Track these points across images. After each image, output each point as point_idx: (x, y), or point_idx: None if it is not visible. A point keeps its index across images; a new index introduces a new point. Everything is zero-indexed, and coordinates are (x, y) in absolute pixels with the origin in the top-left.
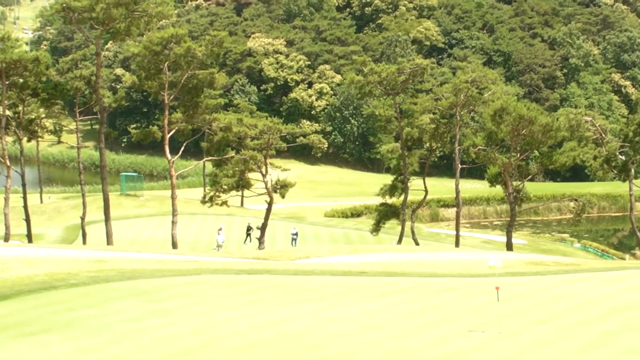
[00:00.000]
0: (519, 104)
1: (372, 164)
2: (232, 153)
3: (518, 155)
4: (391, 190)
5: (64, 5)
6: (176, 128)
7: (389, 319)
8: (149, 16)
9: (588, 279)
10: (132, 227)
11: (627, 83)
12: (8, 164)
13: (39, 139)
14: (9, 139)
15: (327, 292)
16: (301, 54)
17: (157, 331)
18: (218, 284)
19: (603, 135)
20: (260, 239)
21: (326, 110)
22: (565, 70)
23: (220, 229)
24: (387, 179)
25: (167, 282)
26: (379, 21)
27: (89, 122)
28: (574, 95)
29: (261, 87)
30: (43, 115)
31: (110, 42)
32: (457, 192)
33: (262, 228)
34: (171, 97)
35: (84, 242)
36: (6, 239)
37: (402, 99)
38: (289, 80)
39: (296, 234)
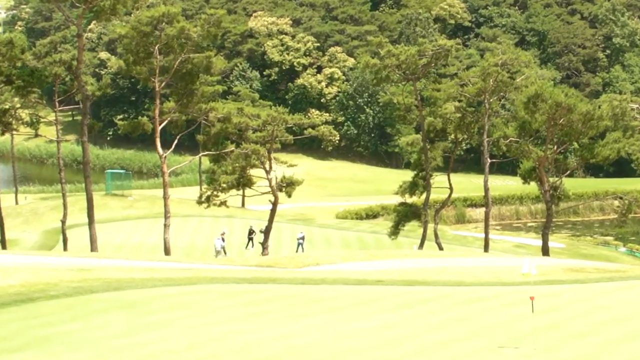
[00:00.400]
0: (556, 90)
1: (390, 159)
2: (231, 147)
3: (555, 147)
4: (411, 188)
5: None
6: (168, 119)
7: (409, 334)
8: None
9: (635, 287)
10: (119, 231)
11: None
12: None
13: (14, 132)
14: None
15: (339, 303)
16: (309, 34)
17: (147, 347)
18: (216, 295)
19: None
20: (264, 244)
21: (338, 98)
22: (608, 51)
23: (223, 234)
24: (407, 175)
25: (159, 293)
26: None
27: (70, 112)
28: (618, 79)
29: (264, 73)
30: (18, 106)
31: (94, 22)
32: (486, 189)
33: (266, 231)
34: (163, 84)
35: (65, 248)
36: None
37: (424, 84)
38: (295, 64)
39: (303, 239)
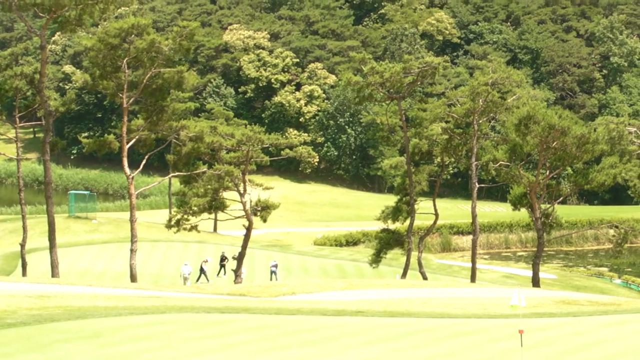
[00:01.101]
0: (549, 111)
1: (372, 182)
2: (203, 168)
3: (547, 172)
4: (394, 213)
5: None
6: (137, 137)
7: None
8: (104, 2)
9: (631, 321)
10: (82, 256)
11: None
12: None
13: None
14: None
15: (316, 335)
16: (288, 49)
17: None
18: (186, 325)
19: None
20: (237, 271)
21: (317, 118)
22: (605, 71)
23: (205, 261)
24: (390, 200)
25: (124, 322)
26: (382, 11)
27: (31, 129)
28: (616, 101)
29: (239, 89)
30: None
31: (58, 33)
32: (474, 216)
33: (239, 258)
34: (131, 100)
35: (24, 273)
36: None
37: (409, 104)
38: (272, 81)
39: (276, 267)
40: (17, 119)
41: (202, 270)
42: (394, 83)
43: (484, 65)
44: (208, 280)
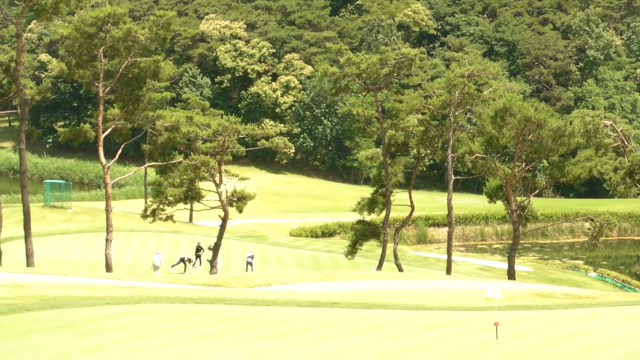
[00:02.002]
0: (525, 104)
1: (348, 174)
2: (179, 158)
3: (523, 165)
4: (370, 205)
5: None
6: (112, 127)
7: None
8: None
9: (606, 314)
10: (57, 246)
11: None
12: None
13: None
14: None
15: (291, 326)
16: (264, 40)
17: None
18: (161, 315)
19: (625, 142)
20: (212, 262)
21: (293, 109)
22: (581, 64)
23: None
24: (366, 191)
25: (99, 312)
26: (359, 2)
27: (6, 118)
28: (592, 94)
29: (216, 79)
30: None
31: (34, 21)
32: (450, 208)
33: (215, 248)
34: (107, 90)
35: None
36: None
37: (385, 95)
38: (249, 71)
39: (252, 257)
40: None
41: (182, 260)
42: (371, 74)
43: (461, 57)
44: (185, 271)
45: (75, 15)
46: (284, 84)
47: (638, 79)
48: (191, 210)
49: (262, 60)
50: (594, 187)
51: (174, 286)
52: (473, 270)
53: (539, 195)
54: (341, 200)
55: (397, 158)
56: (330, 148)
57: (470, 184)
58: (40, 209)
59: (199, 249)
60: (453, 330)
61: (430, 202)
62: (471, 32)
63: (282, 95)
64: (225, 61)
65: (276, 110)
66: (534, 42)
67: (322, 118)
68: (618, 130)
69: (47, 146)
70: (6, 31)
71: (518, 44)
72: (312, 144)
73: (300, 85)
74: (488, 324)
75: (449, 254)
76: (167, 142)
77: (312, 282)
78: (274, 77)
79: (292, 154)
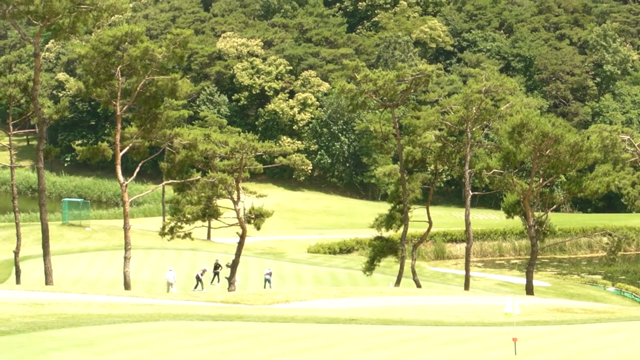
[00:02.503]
0: (543, 119)
1: (366, 190)
2: (197, 175)
3: (541, 180)
4: (388, 221)
5: None
6: (130, 145)
7: None
8: (98, 10)
9: (624, 329)
10: (76, 264)
11: None
12: None
13: None
14: None
15: (310, 343)
16: (281, 57)
17: None
18: (179, 333)
19: None
20: (230, 279)
21: (311, 125)
22: (598, 79)
23: (204, 271)
24: (384, 207)
25: (118, 330)
26: (375, 19)
27: (25, 137)
28: (609, 109)
29: (233, 97)
30: None
31: (52, 40)
32: (468, 224)
33: (233, 266)
34: (125, 108)
35: (18, 281)
36: None
37: (402, 112)
38: (266, 88)
39: (270, 274)
40: (11, 127)
41: (198, 279)
42: (388, 91)
43: (478, 73)
44: (203, 288)
45: (93, 34)
46: (301, 101)
47: None
48: (209, 227)
49: (279, 77)
50: (611, 202)
51: (192, 303)
52: (491, 285)
53: (556, 210)
54: (359, 217)
55: (414, 174)
56: (347, 165)
57: (488, 199)
58: (58, 227)
59: (217, 266)
60: (472, 346)
61: (448, 218)
62: (488, 48)
63: (299, 113)
64: (242, 79)
65: (293, 127)
66: (550, 58)
67: (340, 135)
68: (635, 145)
69: (65, 165)
70: (24, 50)
71: (535, 59)
72: (329, 161)
73: (317, 102)
74: (507, 340)
75: (467, 269)
76: (184, 160)
77: (330, 298)
78: (291, 94)
79: (310, 171)
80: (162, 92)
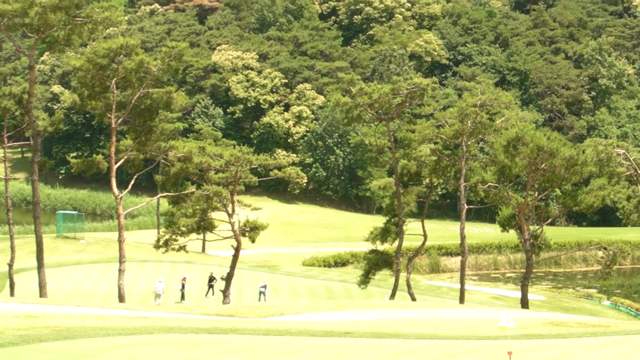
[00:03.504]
0: (538, 133)
1: (361, 203)
2: (192, 188)
3: (536, 194)
4: (383, 234)
5: None
6: (125, 157)
7: None
8: (93, 23)
9: (619, 343)
10: (70, 276)
11: None
12: None
13: None
14: None
15: (305, 356)
16: (276, 70)
17: None
18: (174, 346)
19: (638, 171)
20: (225, 292)
21: (306, 138)
22: (593, 93)
23: (184, 279)
24: (379, 221)
25: (112, 343)
26: (370, 32)
27: (19, 149)
28: (604, 122)
29: (228, 110)
30: None
31: (47, 53)
32: (463, 237)
33: (228, 278)
34: (119, 121)
35: (12, 293)
36: None
37: (398, 125)
38: (261, 101)
39: (265, 287)
40: (5, 139)
41: (182, 289)
42: (383, 104)
43: (473, 86)
44: (182, 300)
45: (88, 47)
46: (296, 114)
47: None
48: (204, 240)
49: (274, 90)
50: (607, 216)
51: (186, 316)
52: (486, 299)
53: (551, 224)
54: (354, 230)
55: (409, 187)
56: (342, 178)
57: (483, 213)
58: (53, 239)
59: (211, 279)
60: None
61: (443, 232)
62: (483, 61)
63: (294, 126)
64: (237, 92)
65: (288, 140)
66: (546, 72)
67: (335, 148)
68: (631, 158)
69: (60, 177)
70: (19, 63)
71: (530, 73)
72: (324, 174)
73: (312, 115)
74: (502, 353)
75: (462, 283)
76: (179, 172)
77: (325, 311)
78: (286, 107)
79: (305, 184)
80: (157, 104)
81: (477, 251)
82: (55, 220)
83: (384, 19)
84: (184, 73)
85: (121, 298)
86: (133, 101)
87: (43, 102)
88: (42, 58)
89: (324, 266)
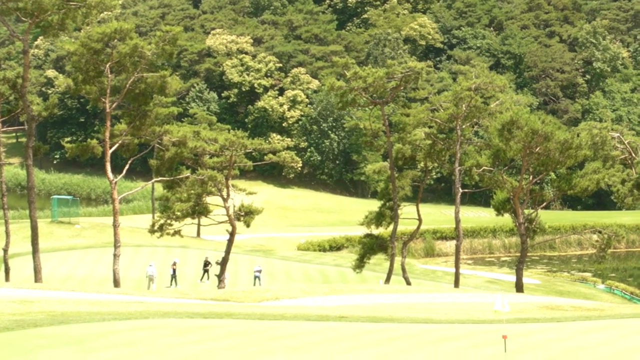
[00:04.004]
0: (532, 117)
1: (355, 187)
2: (186, 173)
3: (530, 178)
4: (378, 218)
5: None
6: (120, 142)
7: None
8: (87, 7)
9: (614, 327)
10: (65, 261)
11: None
12: None
13: None
14: None
15: (300, 341)
16: (271, 54)
17: None
18: (169, 330)
19: (633, 154)
20: (220, 276)
21: (300, 123)
22: (588, 77)
23: (174, 264)
24: (373, 205)
25: (108, 328)
26: (365, 16)
27: (14, 134)
28: (599, 106)
29: (222, 94)
30: None
31: (41, 37)
32: (457, 221)
33: (223, 263)
34: (114, 105)
35: (7, 278)
36: None
37: (392, 109)
38: (256, 85)
39: (260, 272)
40: (0, 124)
41: (173, 273)
42: (377, 88)
43: (467, 70)
44: (172, 284)
45: (82, 31)
46: (291, 98)
47: None
48: (199, 225)
49: (268, 74)
50: (601, 199)
51: (181, 301)
52: (481, 283)
53: (546, 207)
54: (349, 214)
55: (404, 171)
56: (337, 162)
57: (478, 197)
58: (47, 224)
59: (206, 263)
60: (461, 344)
61: (437, 216)
62: (478, 45)
63: (289, 110)
64: (232, 76)
65: (283, 125)
66: (540, 55)
67: (329, 132)
68: (625, 142)
69: (55, 162)
70: (13, 47)
71: (525, 56)
72: (319, 158)
73: (307, 100)
74: (496, 337)
75: (457, 267)
76: (174, 157)
77: (320, 296)
78: (281, 91)
79: (299, 168)
80: (151, 89)
81: (472, 235)
82: (50, 205)
83: (378, 3)
84: (178, 57)
85: (116, 283)
86: (127, 85)
87: (37, 87)
88: (36, 42)
89: (319, 250)
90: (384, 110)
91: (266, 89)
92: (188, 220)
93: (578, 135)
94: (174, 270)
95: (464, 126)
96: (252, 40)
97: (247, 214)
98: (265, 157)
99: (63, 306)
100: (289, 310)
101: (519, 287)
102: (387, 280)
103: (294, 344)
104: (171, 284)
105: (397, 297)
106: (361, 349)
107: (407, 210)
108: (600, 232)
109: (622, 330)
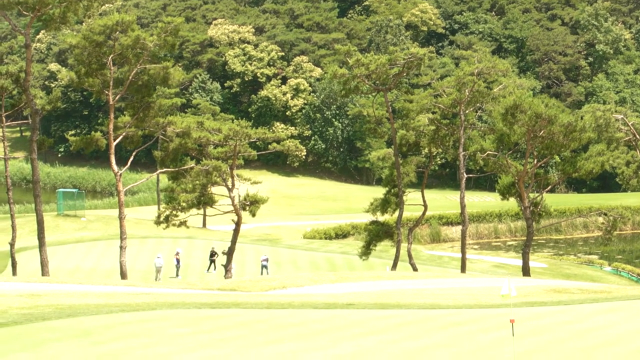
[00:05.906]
0: (536, 100)
1: (360, 175)
2: (191, 163)
3: (535, 161)
4: (383, 205)
5: None
6: (124, 134)
7: None
8: (88, 0)
9: (622, 309)
10: (72, 254)
11: None
12: None
13: None
14: None
15: (307, 329)
16: (273, 43)
17: None
18: (177, 321)
19: (637, 136)
20: (227, 266)
21: (304, 111)
22: (590, 59)
23: (177, 254)
24: (378, 192)
25: (115, 320)
26: (366, 3)
27: (18, 128)
28: (602, 88)
29: (225, 84)
30: None
31: (43, 31)
32: (463, 206)
33: (229, 253)
34: (117, 97)
35: (14, 272)
36: None
37: (395, 95)
38: (258, 75)
39: (266, 261)
40: (4, 118)
41: (177, 264)
42: (380, 75)
43: (470, 55)
44: (177, 275)
45: (84, 24)
46: (294, 86)
47: None
48: (204, 215)
49: (271, 63)
50: (606, 182)
51: (189, 292)
52: (488, 267)
53: (551, 191)
54: (354, 202)
55: (408, 158)
56: (341, 149)
57: (483, 181)
58: (53, 218)
59: (213, 253)
60: (469, 329)
61: (443, 201)
62: (480, 30)
63: (292, 98)
64: (234, 66)
65: (286, 113)
66: (542, 38)
67: (333, 120)
68: (629, 124)
69: (59, 155)
70: (15, 42)
71: (527, 40)
72: (323, 146)
73: (310, 88)
74: (504, 321)
75: (463, 252)
76: (178, 148)
77: (327, 284)
78: (284, 80)
79: (304, 157)
80: (154, 80)
81: (478, 220)
82: (55, 199)
83: None
84: (180, 48)
85: (123, 275)
86: (130, 77)
87: (40, 81)
88: (38, 36)
89: (325, 238)
90: (387, 97)
91: (269, 78)
92: (194, 211)
93: (582, 118)
94: (178, 260)
95: (467, 111)
96: (253, 30)
97: (252, 204)
98: (269, 146)
99: (70, 299)
100: (296, 298)
101: (526, 271)
102: (394, 266)
103: (302, 332)
104: (177, 275)
105: (404, 284)
106: (369, 335)
107: (412, 197)
108: (605, 214)
109: (630, 312)
